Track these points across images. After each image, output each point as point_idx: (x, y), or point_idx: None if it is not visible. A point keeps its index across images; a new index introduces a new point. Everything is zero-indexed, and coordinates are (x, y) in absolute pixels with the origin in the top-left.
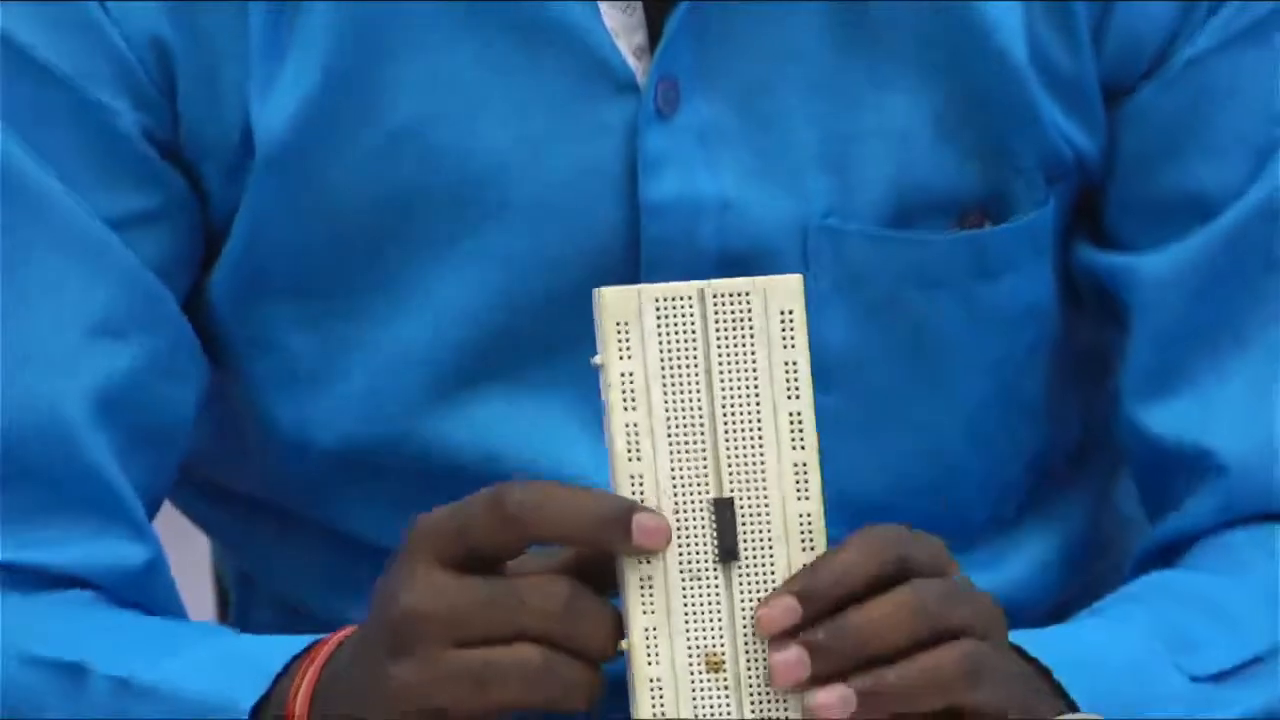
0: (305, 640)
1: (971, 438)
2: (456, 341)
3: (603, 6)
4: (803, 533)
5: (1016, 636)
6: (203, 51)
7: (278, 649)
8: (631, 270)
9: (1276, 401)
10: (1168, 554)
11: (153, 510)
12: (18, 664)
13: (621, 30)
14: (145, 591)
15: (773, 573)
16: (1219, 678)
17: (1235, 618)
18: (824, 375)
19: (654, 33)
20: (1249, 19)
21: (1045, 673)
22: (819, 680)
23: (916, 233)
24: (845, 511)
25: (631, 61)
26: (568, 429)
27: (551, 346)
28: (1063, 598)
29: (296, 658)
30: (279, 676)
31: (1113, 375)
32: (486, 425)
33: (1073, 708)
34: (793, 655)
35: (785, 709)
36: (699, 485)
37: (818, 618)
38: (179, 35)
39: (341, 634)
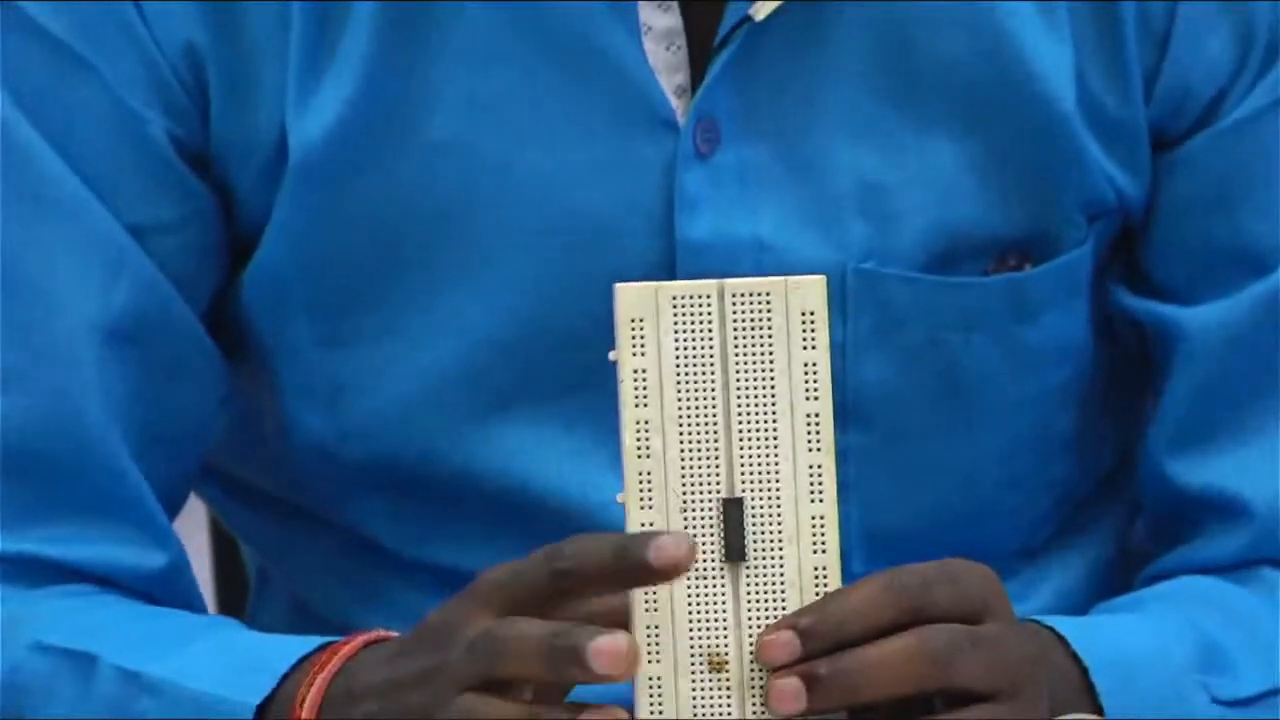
0: (315, 642)
1: (1004, 474)
2: (486, 365)
3: (647, 43)
4: (814, 535)
5: (1061, 624)
6: (239, 58)
7: (287, 648)
8: None
9: None
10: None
11: (172, 513)
12: (26, 651)
13: (664, 68)
14: (164, 594)
15: (782, 575)
16: (1240, 704)
17: (1267, 644)
18: (858, 414)
19: (696, 73)
20: None
21: (1081, 669)
22: (815, 712)
23: (954, 277)
24: (875, 545)
25: (673, 100)
26: (597, 457)
27: (583, 375)
28: None
29: (306, 659)
30: (285, 677)
31: (1143, 417)
32: (514, 450)
33: (1097, 709)
34: (790, 686)
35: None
36: (709, 484)
37: (820, 654)
38: (215, 42)
39: (356, 642)
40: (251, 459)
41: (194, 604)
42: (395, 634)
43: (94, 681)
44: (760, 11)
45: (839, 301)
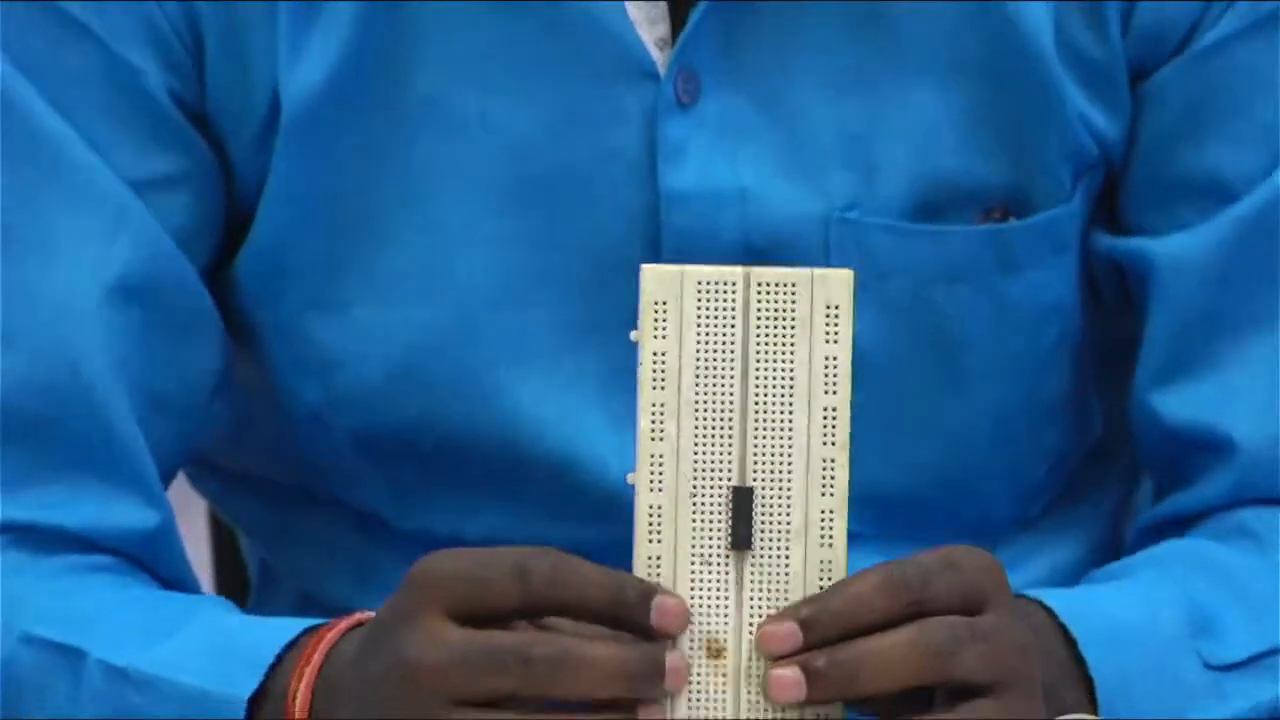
0: (300, 625)
1: (994, 435)
2: (475, 324)
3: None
4: (823, 529)
5: (1051, 597)
6: (232, 16)
7: (274, 634)
8: (653, 258)
9: None
10: (1174, 528)
11: (167, 478)
12: (18, 643)
13: (644, 21)
14: (153, 555)
15: (787, 567)
16: (1232, 668)
17: (1258, 605)
18: None
19: (676, 26)
20: (1270, 7)
21: (1069, 642)
22: (813, 702)
23: (938, 226)
24: (868, 507)
25: (654, 52)
26: (591, 415)
27: (577, 331)
28: None
29: (292, 647)
30: (274, 667)
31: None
32: (509, 409)
33: (1087, 681)
34: (789, 676)
35: (781, 710)
36: (720, 471)
37: (820, 645)
38: (211, 14)
39: (339, 628)
40: (249, 443)
41: (181, 567)
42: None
43: (83, 678)
44: None
45: (822, 251)
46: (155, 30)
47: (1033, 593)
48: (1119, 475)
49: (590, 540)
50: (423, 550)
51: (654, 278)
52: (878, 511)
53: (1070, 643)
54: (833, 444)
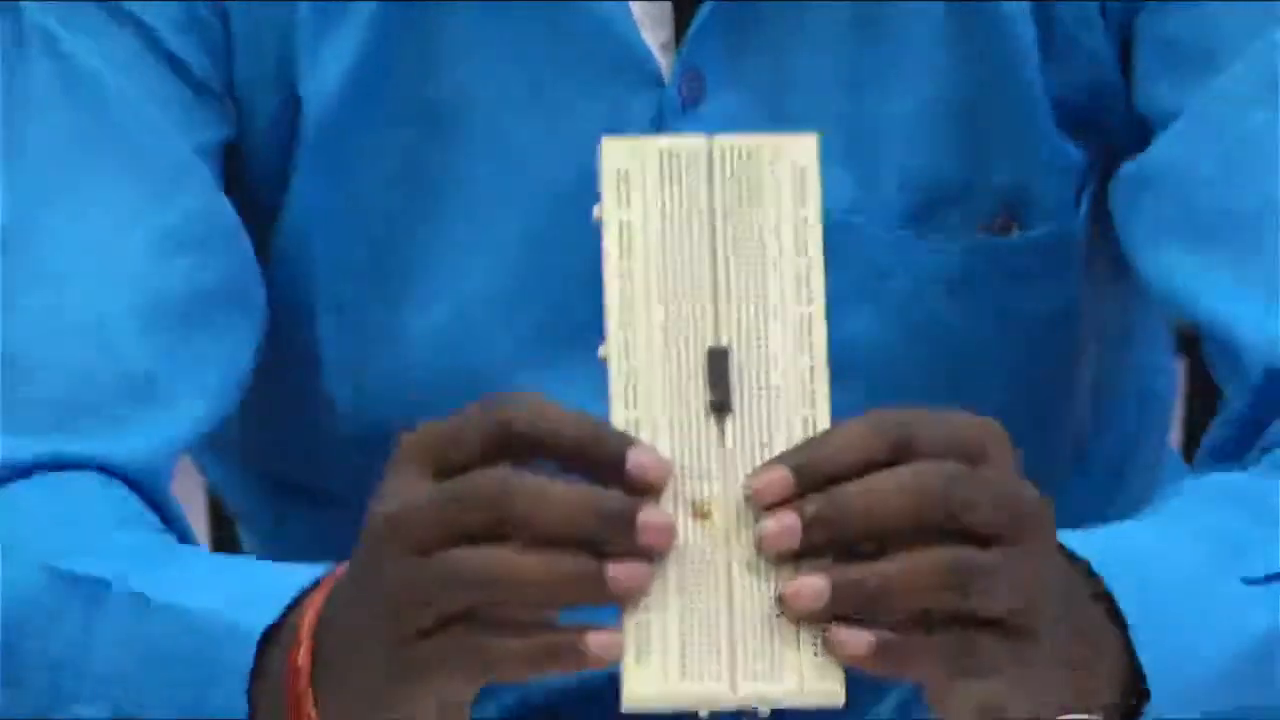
0: (319, 571)
1: None
2: (482, 326)
3: (632, 4)
4: (803, 387)
5: (1061, 536)
6: (254, 18)
7: (292, 578)
8: None
9: None
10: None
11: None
12: (38, 571)
13: (648, 23)
14: (150, 478)
15: (770, 426)
16: (1271, 579)
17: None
18: (843, 370)
19: (680, 29)
20: None
21: (1092, 578)
22: (808, 551)
23: (938, 237)
24: None
25: (657, 55)
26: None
27: (577, 332)
28: None
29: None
30: (289, 609)
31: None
32: None
33: (1116, 615)
34: (784, 521)
35: (771, 575)
36: (695, 333)
37: (812, 491)
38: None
39: (340, 571)
40: (254, 431)
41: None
42: None
43: (101, 609)
44: None
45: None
46: (197, 17)
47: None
48: (1098, 481)
49: None
50: None
51: (614, 148)
52: None
53: (1091, 579)
54: (808, 302)
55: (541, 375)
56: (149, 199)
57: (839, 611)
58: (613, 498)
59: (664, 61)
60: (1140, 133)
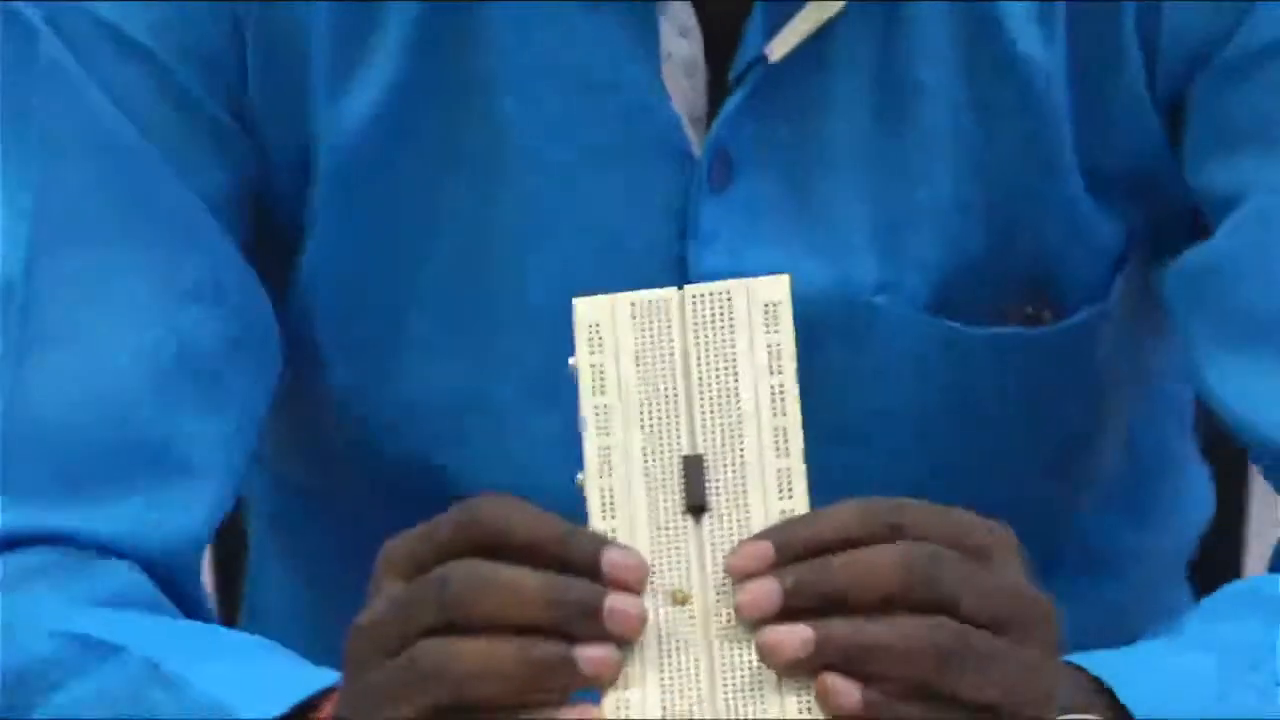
0: (333, 678)
1: (1009, 505)
2: (501, 389)
3: (666, 70)
4: (780, 484)
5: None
6: (271, 48)
7: (313, 674)
8: None
9: None
10: None
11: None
12: (45, 636)
13: (680, 98)
14: (180, 565)
15: (747, 519)
16: None
17: None
18: (859, 436)
19: (712, 104)
20: None
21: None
22: (787, 617)
23: (966, 321)
24: None
25: (688, 129)
26: None
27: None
28: None
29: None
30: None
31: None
32: (531, 470)
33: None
34: (764, 585)
35: (751, 644)
36: (669, 449)
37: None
38: (255, 31)
39: None
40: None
41: (198, 585)
42: None
43: (112, 671)
44: (776, 52)
45: (847, 329)
46: (211, 51)
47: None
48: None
49: None
50: None
51: (585, 307)
52: None
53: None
54: (783, 415)
55: (550, 417)
56: (161, 254)
57: (825, 662)
58: (580, 586)
59: (693, 137)
60: (1188, 205)
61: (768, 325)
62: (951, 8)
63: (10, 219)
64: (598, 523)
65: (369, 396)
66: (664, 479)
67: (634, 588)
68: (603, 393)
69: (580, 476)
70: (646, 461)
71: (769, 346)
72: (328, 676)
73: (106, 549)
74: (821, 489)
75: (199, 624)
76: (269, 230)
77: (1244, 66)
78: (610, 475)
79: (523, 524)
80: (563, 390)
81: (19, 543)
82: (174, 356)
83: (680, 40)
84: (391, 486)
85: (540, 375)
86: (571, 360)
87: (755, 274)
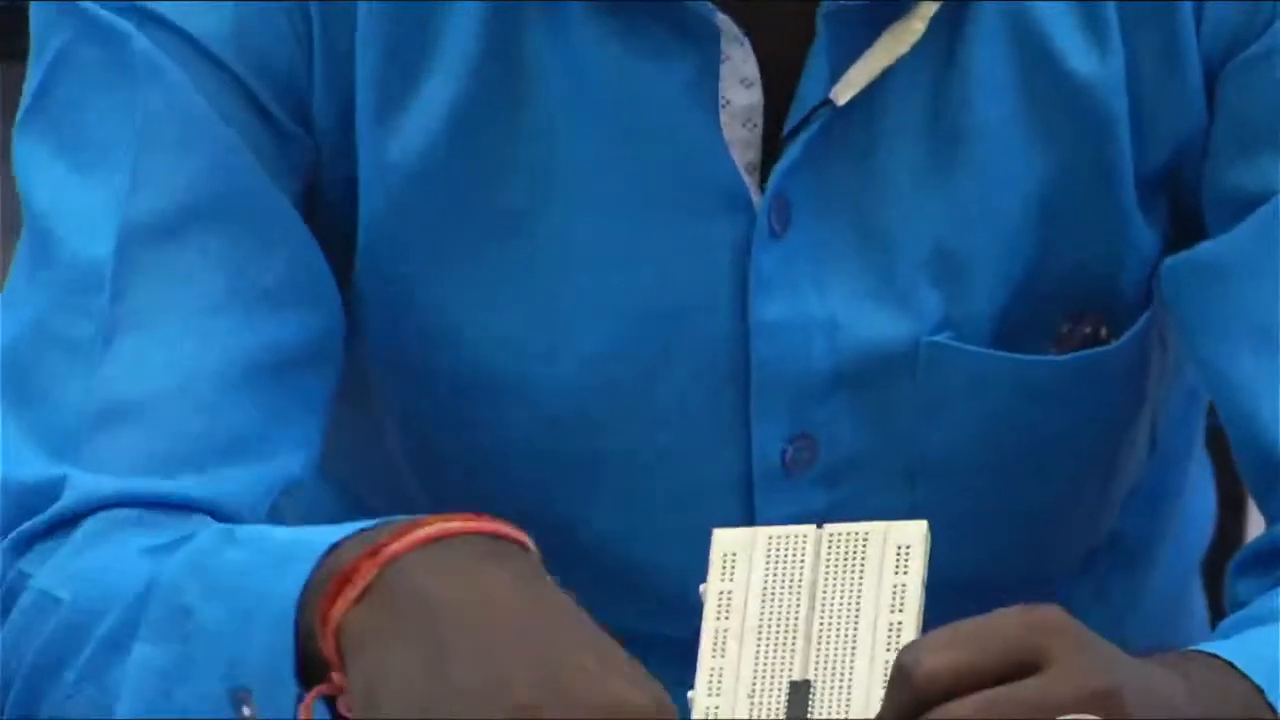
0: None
1: (1068, 506)
2: (552, 441)
3: (724, 118)
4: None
5: (1216, 647)
6: (332, 59)
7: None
8: (740, 386)
9: None
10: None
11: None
12: (136, 555)
13: (738, 145)
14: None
15: None
16: None
17: None
18: (925, 473)
19: (768, 151)
20: None
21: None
22: None
23: (1029, 345)
24: (935, 593)
25: (745, 178)
26: (663, 530)
27: (652, 458)
28: None
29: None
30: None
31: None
32: (581, 521)
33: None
34: None
35: None
36: (781, 673)
37: None
38: (320, 43)
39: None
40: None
41: None
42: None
43: (193, 543)
44: (841, 96)
45: (911, 369)
46: (283, 65)
47: (1200, 647)
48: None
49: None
50: None
51: (725, 536)
52: (945, 593)
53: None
54: (896, 650)
55: (607, 501)
56: (248, 251)
57: None
58: None
59: (750, 182)
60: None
61: (898, 567)
62: (1006, 37)
63: (106, 201)
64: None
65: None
66: (769, 700)
67: None
68: (726, 619)
69: (691, 695)
70: (755, 684)
71: (895, 586)
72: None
73: (191, 508)
74: None
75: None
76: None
77: (1264, 64)
78: (718, 695)
79: None
80: (617, 450)
81: (106, 506)
82: (246, 353)
83: (740, 89)
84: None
85: (597, 436)
86: (702, 587)
87: (815, 319)
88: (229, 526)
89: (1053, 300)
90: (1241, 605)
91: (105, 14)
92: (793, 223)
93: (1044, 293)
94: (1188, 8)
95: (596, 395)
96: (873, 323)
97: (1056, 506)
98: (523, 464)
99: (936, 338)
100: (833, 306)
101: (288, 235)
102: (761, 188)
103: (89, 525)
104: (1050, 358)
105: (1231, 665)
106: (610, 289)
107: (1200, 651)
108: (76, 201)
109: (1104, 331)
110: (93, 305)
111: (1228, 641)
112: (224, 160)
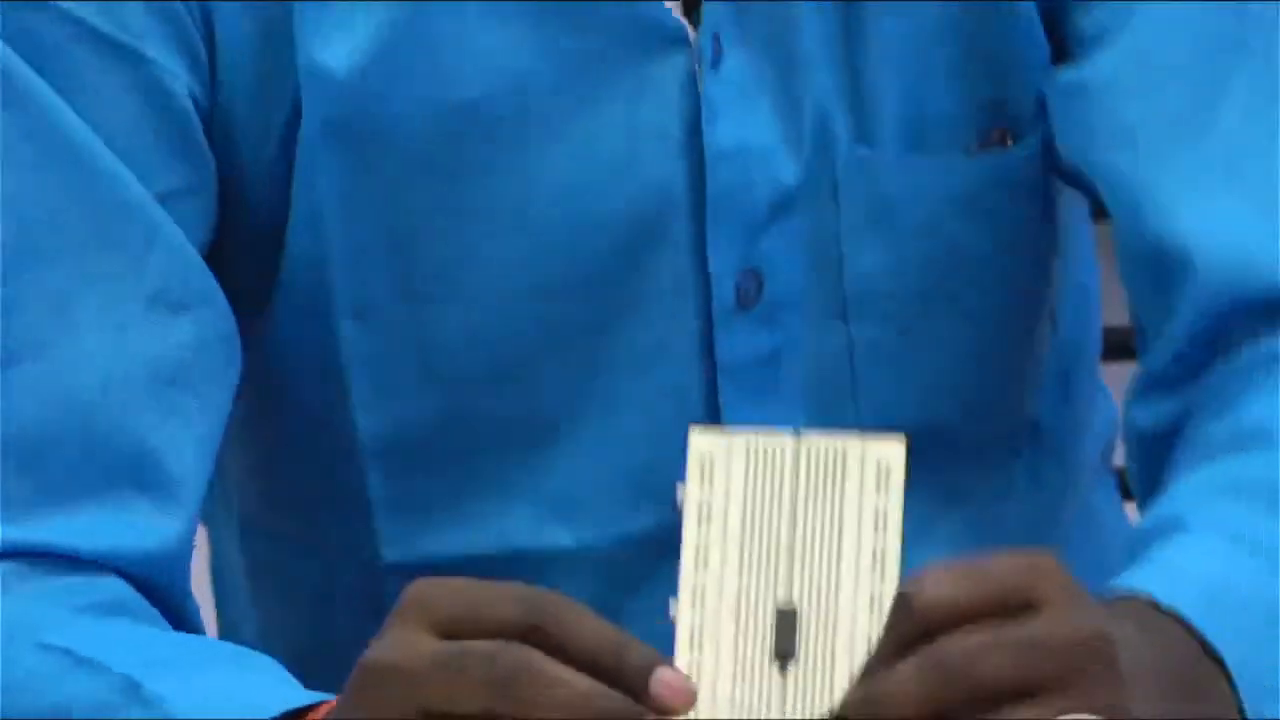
0: (309, 698)
1: (998, 344)
2: (516, 318)
3: None
4: (868, 646)
5: (1139, 580)
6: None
7: (294, 694)
8: (693, 225)
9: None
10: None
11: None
12: (31, 648)
13: None
14: (165, 574)
15: (831, 674)
16: None
17: None
18: (859, 306)
19: None
20: None
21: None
22: None
23: (942, 157)
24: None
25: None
26: (630, 406)
27: (609, 316)
28: None
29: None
30: None
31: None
32: (545, 396)
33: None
34: None
35: None
36: (765, 596)
37: None
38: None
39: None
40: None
41: (185, 589)
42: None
43: (95, 682)
44: None
45: (833, 196)
46: (182, 30)
47: (1118, 582)
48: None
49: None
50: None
51: (702, 439)
52: None
53: (1184, 624)
54: (880, 580)
55: (570, 369)
56: (125, 261)
57: None
58: (615, 698)
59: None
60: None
61: (878, 488)
62: None
63: None
64: (684, 654)
65: (386, 355)
66: (755, 624)
67: (678, 711)
68: (707, 528)
69: (673, 609)
70: (740, 604)
71: (876, 509)
72: (313, 695)
73: (89, 560)
74: (826, 372)
75: (184, 636)
76: (252, 202)
77: None
78: (703, 610)
79: (583, 627)
80: (584, 332)
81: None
82: (142, 364)
83: None
84: (388, 471)
85: (557, 304)
86: (680, 488)
87: (755, 146)
88: (133, 680)
89: (961, 113)
90: (1141, 431)
91: None
92: (724, 55)
93: (954, 106)
94: None
95: (553, 265)
96: (795, 148)
97: (982, 356)
98: (487, 354)
99: (852, 153)
100: (763, 135)
101: (162, 241)
102: (693, 26)
103: None
104: (960, 160)
105: (1156, 603)
106: (562, 151)
107: (1134, 595)
108: None
109: (1009, 142)
110: None
111: (1144, 571)
112: (90, 173)
